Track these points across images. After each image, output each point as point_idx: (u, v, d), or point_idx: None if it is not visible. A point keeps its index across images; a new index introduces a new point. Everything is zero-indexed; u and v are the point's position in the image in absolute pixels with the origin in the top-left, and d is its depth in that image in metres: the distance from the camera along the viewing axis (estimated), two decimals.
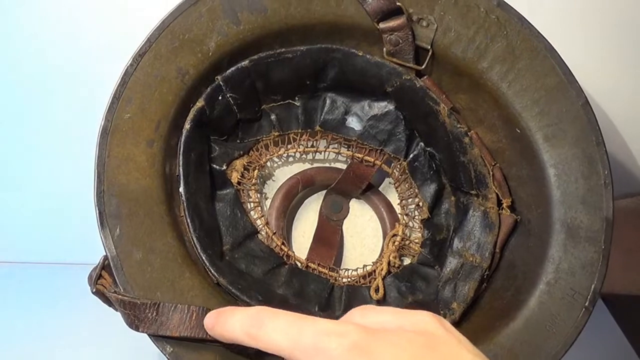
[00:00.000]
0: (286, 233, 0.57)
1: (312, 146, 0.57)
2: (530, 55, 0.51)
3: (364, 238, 0.59)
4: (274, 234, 0.55)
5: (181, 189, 0.48)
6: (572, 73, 0.51)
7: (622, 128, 0.73)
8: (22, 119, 0.68)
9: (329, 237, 0.58)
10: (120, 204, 0.45)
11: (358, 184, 0.58)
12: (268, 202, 0.58)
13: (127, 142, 0.46)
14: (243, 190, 0.54)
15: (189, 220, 0.48)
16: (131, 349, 0.64)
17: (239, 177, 0.54)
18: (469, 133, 0.53)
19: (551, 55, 0.51)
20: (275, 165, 0.59)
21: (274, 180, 0.59)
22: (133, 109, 0.46)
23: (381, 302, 0.54)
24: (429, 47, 0.51)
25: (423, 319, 0.34)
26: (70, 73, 0.63)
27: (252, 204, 0.55)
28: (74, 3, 0.62)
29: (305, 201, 0.60)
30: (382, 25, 0.51)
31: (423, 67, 0.52)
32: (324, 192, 0.60)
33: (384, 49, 0.52)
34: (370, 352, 0.31)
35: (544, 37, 0.51)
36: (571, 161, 0.50)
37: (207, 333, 0.43)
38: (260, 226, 0.54)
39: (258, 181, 0.56)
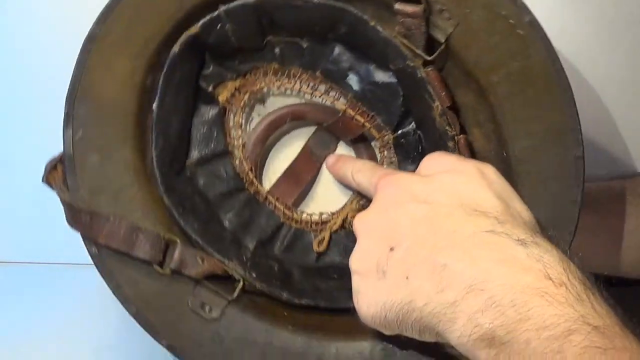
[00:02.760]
0: (260, 165, 0.58)
1: (311, 87, 0.56)
2: (544, 87, 0.46)
3: (337, 187, 0.60)
4: (247, 158, 0.56)
5: (154, 105, 0.50)
6: (578, 119, 0.46)
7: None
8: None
9: (300, 174, 0.58)
10: (90, 109, 0.48)
11: (346, 135, 0.58)
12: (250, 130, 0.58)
13: (111, 53, 0.48)
14: (229, 110, 0.55)
15: (153, 137, 0.50)
16: (131, 348, 0.65)
17: (228, 97, 0.55)
18: (456, 137, 0.50)
19: (565, 94, 0.46)
20: (269, 97, 0.58)
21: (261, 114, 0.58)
22: (124, 22, 0.47)
23: (322, 254, 0.56)
24: (443, 41, 0.48)
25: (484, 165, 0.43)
26: None
27: (234, 124, 0.56)
28: None
29: (289, 135, 0.59)
30: (397, 6, 0.47)
31: (431, 58, 0.48)
32: (311, 129, 0.59)
33: (396, 27, 0.48)
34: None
35: (565, 73, 0.46)
36: (539, 207, 0.48)
37: (131, 248, 0.47)
38: (235, 149, 0.56)
39: (247, 106, 0.56)
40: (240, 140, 0.56)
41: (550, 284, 0.33)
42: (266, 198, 0.57)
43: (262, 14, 0.50)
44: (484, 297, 0.34)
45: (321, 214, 0.58)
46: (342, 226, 0.57)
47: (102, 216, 0.47)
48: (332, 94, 0.56)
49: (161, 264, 0.49)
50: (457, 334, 0.36)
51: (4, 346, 0.67)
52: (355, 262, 0.43)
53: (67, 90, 0.47)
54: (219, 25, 0.50)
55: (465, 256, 0.36)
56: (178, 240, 0.50)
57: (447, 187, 0.41)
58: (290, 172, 0.58)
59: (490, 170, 0.43)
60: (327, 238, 0.56)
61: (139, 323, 0.49)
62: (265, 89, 0.56)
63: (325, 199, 0.59)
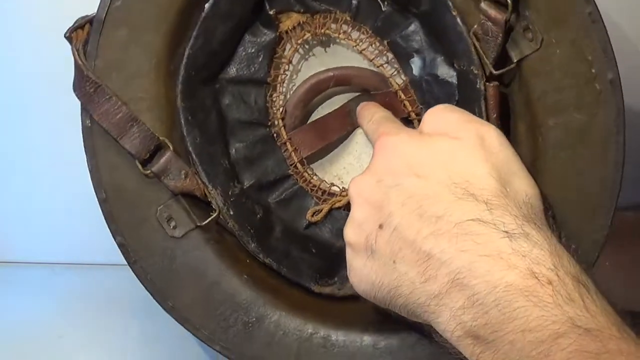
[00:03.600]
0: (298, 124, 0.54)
1: (373, 53, 0.52)
2: (597, 152, 0.42)
3: (365, 154, 0.55)
4: (281, 94, 0.53)
5: (207, 4, 0.46)
6: (616, 200, 0.42)
7: None
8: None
9: (328, 129, 0.54)
10: None
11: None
12: (301, 70, 0.54)
13: None
14: (286, 41, 0.52)
15: (194, 34, 0.47)
16: (132, 348, 0.64)
17: (290, 28, 0.51)
18: None
19: (614, 169, 0.42)
20: (332, 44, 0.54)
21: (312, 59, 0.54)
22: None
23: (312, 225, 0.53)
24: (515, 61, 0.43)
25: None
26: None
27: (284, 59, 0.53)
28: None
29: (331, 100, 0.55)
30: (483, 5, 0.42)
31: (497, 73, 0.44)
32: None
33: (475, 27, 0.44)
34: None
35: (624, 147, 0.41)
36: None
37: (120, 136, 0.46)
38: (276, 83, 0.53)
39: (305, 45, 0.53)
40: (283, 76, 0.53)
41: (535, 282, 0.32)
42: (284, 143, 0.54)
43: None
44: (467, 294, 0.33)
45: (332, 184, 0.55)
46: (347, 207, 0.53)
47: (106, 93, 0.45)
48: (391, 68, 0.52)
49: (144, 164, 0.47)
50: (442, 327, 0.35)
51: (4, 346, 0.66)
52: (348, 233, 0.42)
53: None
54: None
55: (450, 247, 0.35)
56: (170, 147, 0.47)
57: (442, 157, 0.39)
58: (319, 124, 0.54)
59: (492, 136, 0.40)
60: (324, 211, 0.53)
61: (103, 211, 0.48)
62: (331, 36, 0.52)
63: (338, 166, 0.56)
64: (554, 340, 0.30)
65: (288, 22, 0.51)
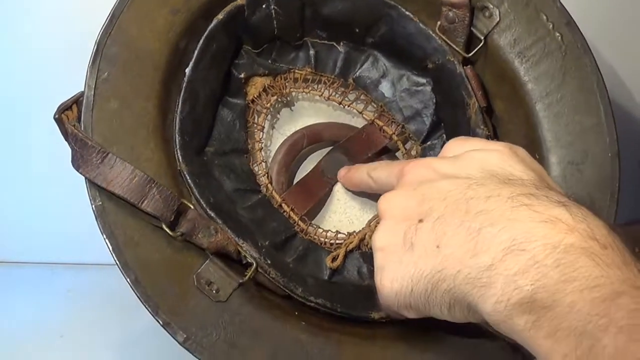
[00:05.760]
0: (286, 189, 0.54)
1: (340, 96, 0.55)
2: (580, 86, 0.48)
3: (350, 208, 0.56)
4: (263, 161, 0.53)
5: (187, 69, 0.47)
6: (614, 117, 0.47)
7: None
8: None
9: (313, 189, 0.55)
10: (120, 52, 0.44)
11: (366, 149, 0.55)
12: (274, 133, 0.56)
13: (152, 1, 0.46)
14: (254, 109, 0.53)
15: (180, 101, 0.47)
16: (132, 348, 0.63)
17: (255, 95, 0.53)
18: (492, 139, 0.50)
19: (600, 94, 0.48)
20: (297, 101, 0.57)
21: (283, 119, 0.57)
22: None
23: (335, 272, 0.51)
24: (482, 37, 0.49)
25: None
26: None
27: (256, 126, 0.53)
28: None
29: (310, 157, 0.57)
30: None
31: (470, 55, 0.49)
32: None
33: (438, 22, 0.49)
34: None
35: (600, 73, 0.48)
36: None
37: (140, 200, 0.42)
38: (254, 150, 0.53)
39: (272, 109, 0.54)
40: (260, 143, 0.53)
41: (596, 244, 0.31)
42: (280, 205, 0.53)
43: (307, 2, 0.50)
44: (524, 258, 0.31)
45: (337, 232, 0.54)
46: (359, 247, 0.53)
47: (116, 159, 0.42)
48: (360, 102, 0.55)
49: (171, 226, 0.43)
50: (493, 300, 0.32)
51: (4, 346, 0.64)
52: (380, 239, 0.40)
53: (101, 27, 0.44)
54: (264, 4, 0.50)
55: (502, 218, 0.33)
56: (191, 206, 0.44)
57: (477, 163, 0.38)
58: (303, 185, 0.55)
59: (521, 150, 0.40)
60: (342, 255, 0.51)
61: (137, 294, 0.42)
62: (293, 94, 0.55)
63: (334, 217, 0.56)
64: (614, 300, 0.29)
65: (253, 90, 0.53)
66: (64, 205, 0.69)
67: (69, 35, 0.63)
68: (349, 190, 0.56)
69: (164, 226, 0.42)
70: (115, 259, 0.42)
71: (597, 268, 0.30)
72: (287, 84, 0.54)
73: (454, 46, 0.49)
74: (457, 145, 0.42)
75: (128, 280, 0.42)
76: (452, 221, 0.35)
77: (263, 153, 0.54)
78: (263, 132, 0.54)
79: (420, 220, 0.37)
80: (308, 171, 0.55)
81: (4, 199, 0.71)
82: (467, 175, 0.37)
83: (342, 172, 0.55)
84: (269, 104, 0.54)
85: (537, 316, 0.31)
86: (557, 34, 0.48)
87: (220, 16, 0.48)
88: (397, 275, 0.38)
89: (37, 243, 0.73)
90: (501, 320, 0.32)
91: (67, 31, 0.64)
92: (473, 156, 0.39)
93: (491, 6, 0.49)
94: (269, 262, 0.45)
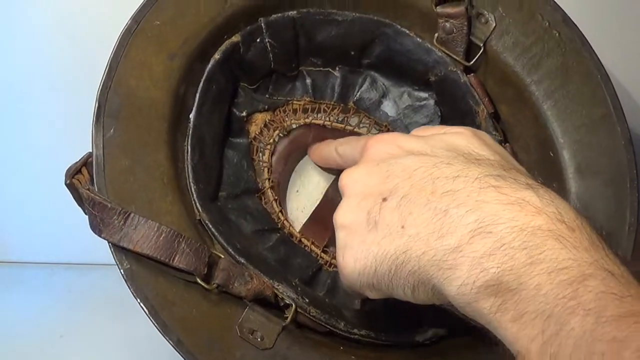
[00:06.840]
0: (283, 187, 0.54)
1: (343, 121, 0.54)
2: (583, 80, 0.48)
3: None
4: (272, 201, 0.51)
5: (192, 115, 0.45)
6: (622, 108, 0.48)
7: None
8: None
9: (327, 219, 0.54)
10: (123, 105, 0.42)
11: None
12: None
13: (148, 48, 0.44)
14: (257, 147, 0.52)
15: (189, 148, 0.45)
16: (132, 348, 0.62)
17: (257, 133, 0.52)
18: (504, 144, 0.49)
19: (605, 85, 0.48)
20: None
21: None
22: (164, 18, 0.44)
23: (367, 300, 0.50)
24: (482, 44, 0.49)
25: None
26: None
27: (262, 164, 0.52)
28: None
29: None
30: (439, 9, 0.48)
31: (471, 63, 0.49)
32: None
33: (436, 35, 0.49)
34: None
35: (602, 65, 0.48)
36: (598, 199, 0.47)
37: (171, 257, 0.40)
38: (265, 188, 0.51)
39: (275, 143, 0.53)
40: (269, 182, 0.52)
41: (564, 227, 0.30)
42: (300, 240, 0.52)
43: (301, 31, 0.49)
44: (491, 240, 0.31)
45: None
46: None
47: (139, 218, 0.40)
48: (364, 126, 0.55)
49: (206, 280, 0.41)
50: (459, 282, 0.32)
51: (4, 346, 0.63)
52: (342, 216, 0.38)
53: (100, 81, 0.42)
54: (259, 38, 0.48)
55: (469, 200, 0.33)
56: (222, 256, 0.42)
57: (444, 142, 0.38)
58: (317, 217, 0.54)
59: (485, 134, 0.40)
60: None
61: (181, 353, 0.39)
62: (294, 125, 0.54)
63: None
64: (581, 282, 0.28)
65: (254, 127, 0.52)
66: (64, 206, 0.66)
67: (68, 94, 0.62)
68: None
69: (198, 280, 0.40)
70: (154, 322, 0.40)
71: (565, 250, 0.29)
72: (286, 117, 0.53)
73: (454, 56, 0.49)
74: (421, 131, 0.42)
75: (170, 342, 0.40)
76: (418, 201, 0.34)
77: (274, 192, 0.52)
78: (269, 171, 0.52)
79: (384, 199, 0.36)
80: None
81: (4, 199, 0.71)
82: (434, 154, 0.37)
83: (312, 148, 0.53)
84: (271, 140, 0.52)
85: (503, 299, 0.30)
86: (555, 32, 0.48)
87: (217, 56, 0.47)
88: (361, 255, 0.36)
89: (37, 243, 0.73)
90: (467, 303, 0.31)
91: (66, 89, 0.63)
92: (440, 137, 0.39)
93: (486, 12, 0.49)
94: (307, 300, 0.44)
